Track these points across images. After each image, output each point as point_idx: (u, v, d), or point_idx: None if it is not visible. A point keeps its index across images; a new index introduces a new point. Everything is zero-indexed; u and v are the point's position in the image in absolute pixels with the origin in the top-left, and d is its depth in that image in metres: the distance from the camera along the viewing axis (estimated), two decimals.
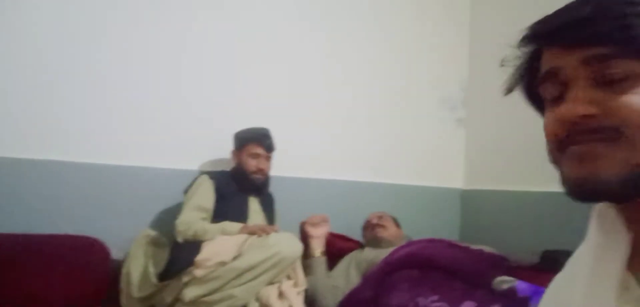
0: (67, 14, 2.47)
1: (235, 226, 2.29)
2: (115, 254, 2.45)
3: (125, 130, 2.58)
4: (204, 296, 2.05)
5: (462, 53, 3.58)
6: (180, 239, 2.26)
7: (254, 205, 2.57)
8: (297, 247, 2.22)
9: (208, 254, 2.10)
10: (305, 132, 3.07)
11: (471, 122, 3.55)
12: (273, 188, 2.75)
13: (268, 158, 2.58)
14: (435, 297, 1.88)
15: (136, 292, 2.23)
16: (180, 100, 2.70)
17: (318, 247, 2.61)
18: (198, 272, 2.05)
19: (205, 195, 2.41)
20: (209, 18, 2.79)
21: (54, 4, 2.44)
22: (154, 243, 2.38)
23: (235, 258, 2.09)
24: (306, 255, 2.49)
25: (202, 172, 2.54)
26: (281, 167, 2.89)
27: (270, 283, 2.15)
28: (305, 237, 2.60)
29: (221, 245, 2.14)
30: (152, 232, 2.46)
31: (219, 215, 2.37)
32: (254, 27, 2.92)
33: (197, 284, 2.06)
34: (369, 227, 2.77)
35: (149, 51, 2.64)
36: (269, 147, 2.57)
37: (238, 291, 2.06)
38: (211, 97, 2.78)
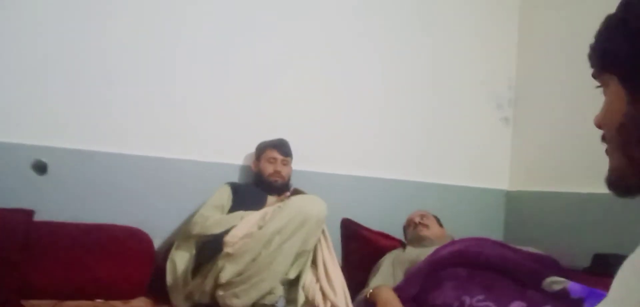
0: (119, 13, 2.52)
1: (254, 213, 2.29)
2: (157, 244, 2.50)
3: (168, 124, 2.61)
4: (241, 273, 2.04)
5: (510, 51, 3.48)
6: (196, 232, 2.29)
7: (273, 201, 2.57)
8: (322, 206, 2.19)
9: (235, 231, 2.12)
10: (349, 129, 3.04)
11: (518, 121, 3.45)
12: (317, 185, 2.75)
13: (285, 162, 2.63)
14: (481, 297, 1.82)
15: (181, 288, 2.26)
16: (223, 96, 2.72)
17: None
18: (229, 249, 2.07)
19: (221, 195, 2.48)
20: (255, 21, 2.79)
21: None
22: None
23: (260, 228, 2.10)
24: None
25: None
26: (325, 164, 2.90)
27: (306, 247, 2.13)
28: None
29: (245, 222, 2.17)
30: None
31: (235, 208, 2.40)
32: (299, 27, 2.91)
33: (231, 263, 2.06)
34: (411, 225, 2.72)
35: (195, 49, 2.66)
36: (285, 153, 2.63)
37: (273, 257, 2.04)
38: (255, 93, 2.79)
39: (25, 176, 2.32)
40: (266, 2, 2.83)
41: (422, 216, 2.71)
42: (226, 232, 2.17)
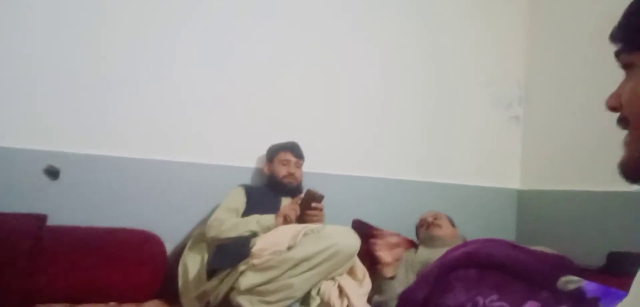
0: (132, 18, 2.53)
1: (269, 217, 2.29)
2: (169, 247, 2.51)
3: (179, 128, 2.62)
4: (261, 284, 2.04)
5: (519, 49, 3.46)
6: (211, 235, 2.28)
7: (287, 203, 2.56)
8: (355, 241, 2.18)
9: (264, 244, 2.11)
10: (359, 129, 3.04)
11: (528, 120, 3.43)
12: (325, 186, 2.75)
13: (298, 164, 2.63)
14: (495, 297, 1.80)
15: (193, 290, 2.26)
16: (232, 100, 2.73)
17: (390, 271, 2.45)
18: (255, 260, 2.06)
19: (235, 198, 2.47)
20: (260, 26, 2.80)
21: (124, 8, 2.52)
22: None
23: (289, 248, 2.08)
24: (374, 273, 2.41)
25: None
26: (335, 165, 2.90)
27: (329, 275, 2.12)
28: (372, 256, 2.53)
29: (277, 235, 2.15)
30: None
31: (249, 211, 2.40)
32: (302, 29, 2.92)
33: (254, 272, 2.05)
34: (423, 225, 2.71)
35: (204, 54, 2.67)
36: (298, 155, 2.63)
37: (295, 281, 2.03)
38: (262, 96, 2.79)
39: (38, 181, 2.34)
40: (271, 7, 2.84)
41: (435, 216, 2.70)
42: (251, 236, 2.18)
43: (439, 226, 2.63)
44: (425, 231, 2.66)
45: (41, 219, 2.15)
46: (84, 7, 2.45)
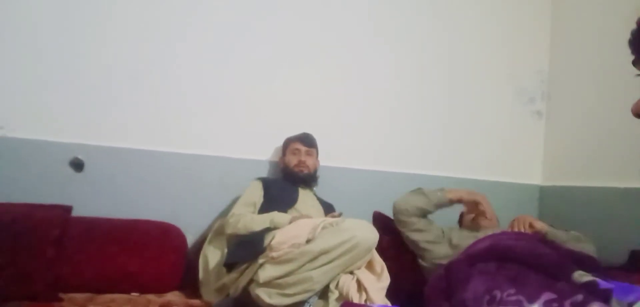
0: (154, 17, 2.58)
1: (284, 216, 2.32)
2: (190, 240, 2.56)
3: (200, 122, 2.67)
4: (280, 277, 2.06)
5: (542, 44, 3.42)
6: (229, 231, 2.32)
7: (308, 199, 2.61)
8: (373, 234, 2.18)
9: (283, 237, 2.12)
10: (380, 126, 3.06)
11: (551, 115, 3.38)
12: (349, 180, 2.77)
13: (309, 153, 2.68)
14: (512, 291, 1.79)
15: (213, 282, 2.29)
16: (251, 94, 2.76)
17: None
18: (273, 253, 2.08)
19: (253, 192, 2.52)
20: (278, 22, 2.84)
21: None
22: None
23: (308, 241, 2.09)
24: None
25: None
26: (356, 160, 2.94)
27: (348, 269, 2.13)
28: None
29: (296, 228, 2.17)
30: None
31: (268, 203, 2.45)
32: (318, 24, 2.93)
33: (273, 265, 2.07)
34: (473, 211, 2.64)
35: (223, 50, 2.71)
36: (308, 144, 2.68)
37: (314, 274, 2.04)
38: (285, 90, 2.83)
39: (64, 173, 2.40)
40: (287, 3, 2.86)
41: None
42: (266, 231, 2.21)
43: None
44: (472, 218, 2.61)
45: (67, 210, 2.20)
46: (112, 9, 2.49)
